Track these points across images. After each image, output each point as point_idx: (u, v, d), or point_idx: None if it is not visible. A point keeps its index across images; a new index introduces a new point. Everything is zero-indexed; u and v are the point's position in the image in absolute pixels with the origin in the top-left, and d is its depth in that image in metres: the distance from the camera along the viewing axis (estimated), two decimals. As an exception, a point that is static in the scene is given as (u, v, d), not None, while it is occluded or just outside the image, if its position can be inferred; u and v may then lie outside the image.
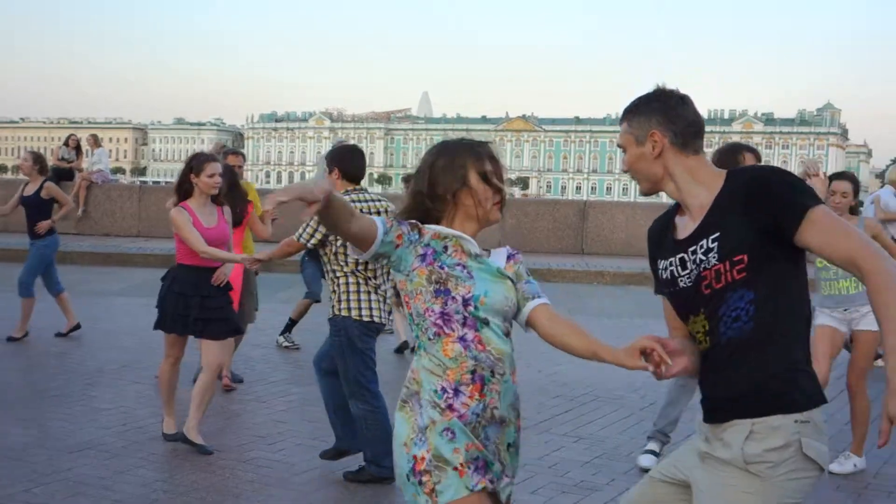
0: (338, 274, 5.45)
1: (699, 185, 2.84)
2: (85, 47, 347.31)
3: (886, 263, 2.57)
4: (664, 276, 2.92)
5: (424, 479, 2.85)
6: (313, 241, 5.40)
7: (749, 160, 5.52)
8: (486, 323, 2.93)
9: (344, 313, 5.42)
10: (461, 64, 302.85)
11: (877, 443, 2.59)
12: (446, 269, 2.92)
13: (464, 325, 2.91)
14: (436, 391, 2.90)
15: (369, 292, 5.45)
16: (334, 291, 5.49)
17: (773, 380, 2.71)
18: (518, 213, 19.69)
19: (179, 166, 8.73)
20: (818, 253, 2.66)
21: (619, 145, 2.99)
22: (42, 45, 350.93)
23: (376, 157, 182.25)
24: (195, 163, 6.12)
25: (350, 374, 5.47)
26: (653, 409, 7.38)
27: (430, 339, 2.94)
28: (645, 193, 3.05)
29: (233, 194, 7.04)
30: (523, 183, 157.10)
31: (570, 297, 13.37)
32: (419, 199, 3.06)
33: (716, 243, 2.72)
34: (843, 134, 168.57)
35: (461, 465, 2.85)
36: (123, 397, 7.31)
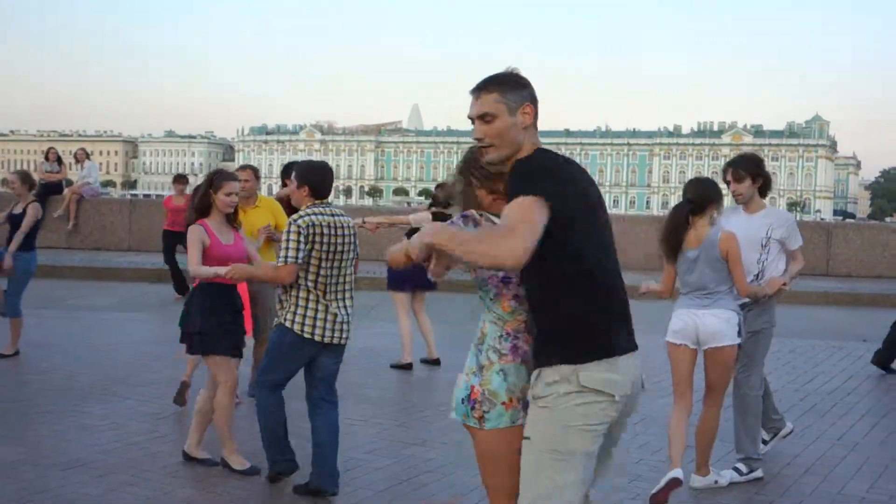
0: (292, 288, 5.48)
1: None
2: (74, 60, 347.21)
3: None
4: None
5: (476, 406, 3.41)
6: (301, 255, 5.40)
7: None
8: None
9: (287, 325, 5.50)
10: (452, 76, 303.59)
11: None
12: None
13: (518, 286, 3.38)
14: (500, 336, 3.43)
15: (317, 310, 5.48)
16: (284, 301, 5.55)
17: None
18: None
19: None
20: None
21: (483, 114, 3.19)
22: (30, 56, 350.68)
23: (367, 169, 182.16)
24: (216, 179, 6.06)
25: (267, 367, 5.68)
26: (646, 422, 7.38)
27: (491, 299, 3.46)
28: (497, 162, 3.25)
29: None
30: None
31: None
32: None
33: None
34: (832, 146, 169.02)
35: (509, 400, 3.39)
36: (115, 413, 7.26)
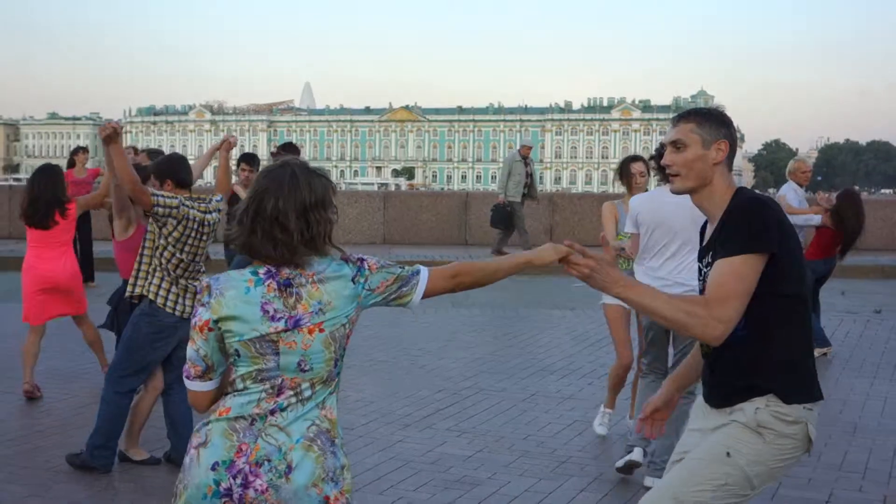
0: (155, 265, 5.54)
1: (723, 200, 3.19)
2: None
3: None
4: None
5: None
6: (159, 209, 5.40)
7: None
8: None
9: (146, 294, 5.55)
10: (343, 55, 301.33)
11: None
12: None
13: None
14: (341, 435, 2.83)
15: (172, 286, 5.57)
16: (144, 274, 5.57)
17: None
18: (401, 206, 19.76)
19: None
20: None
21: (675, 141, 3.23)
22: None
23: (259, 149, 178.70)
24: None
25: (119, 357, 5.69)
26: (535, 399, 7.51)
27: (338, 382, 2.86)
28: (679, 192, 3.27)
29: None
30: (409, 173, 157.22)
31: (454, 289, 13.46)
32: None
33: (713, 255, 3.13)
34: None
35: None
36: (-7, 409, 7.05)
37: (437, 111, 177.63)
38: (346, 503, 2.77)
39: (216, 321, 2.72)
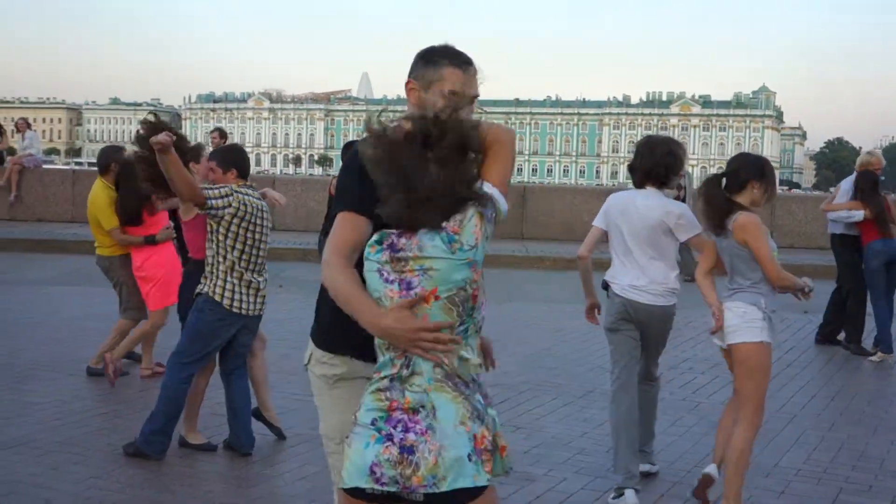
0: (219, 260, 5.60)
1: None
2: (14, 25, 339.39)
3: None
4: None
5: (485, 457, 2.75)
6: (214, 202, 5.46)
7: None
8: None
9: (211, 295, 5.63)
10: (401, 45, 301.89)
11: None
12: None
13: None
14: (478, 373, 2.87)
15: (236, 283, 5.65)
16: (209, 273, 5.64)
17: None
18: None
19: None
20: None
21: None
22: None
23: (316, 138, 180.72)
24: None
25: (183, 343, 5.78)
26: (592, 396, 7.47)
27: (479, 329, 2.86)
28: None
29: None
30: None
31: (510, 282, 13.44)
32: None
33: None
34: (779, 116, 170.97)
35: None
36: (58, 391, 7.16)
37: (495, 103, 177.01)
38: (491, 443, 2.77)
39: None
